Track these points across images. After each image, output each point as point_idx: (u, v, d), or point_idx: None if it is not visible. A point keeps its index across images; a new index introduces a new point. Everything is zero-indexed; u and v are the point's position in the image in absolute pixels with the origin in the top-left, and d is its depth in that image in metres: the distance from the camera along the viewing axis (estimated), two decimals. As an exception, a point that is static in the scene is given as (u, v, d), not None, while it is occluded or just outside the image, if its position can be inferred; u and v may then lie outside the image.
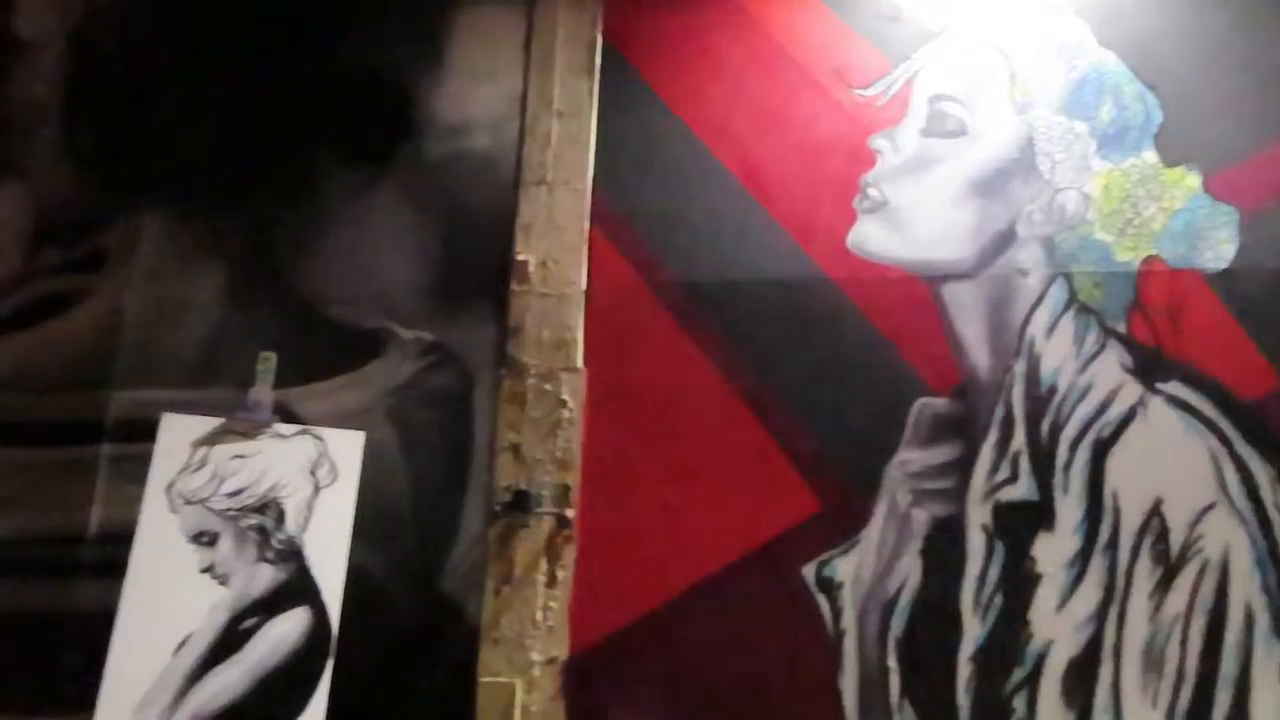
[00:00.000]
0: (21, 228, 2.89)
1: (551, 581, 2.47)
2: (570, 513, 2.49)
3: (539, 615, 2.45)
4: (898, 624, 2.33)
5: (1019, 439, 2.40)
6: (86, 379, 2.74)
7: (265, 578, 2.23)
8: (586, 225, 2.68)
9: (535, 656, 2.42)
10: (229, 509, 2.26)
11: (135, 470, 2.50)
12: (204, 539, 2.24)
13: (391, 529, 2.51)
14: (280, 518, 2.27)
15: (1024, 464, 2.38)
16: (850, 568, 2.39)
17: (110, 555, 2.51)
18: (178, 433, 2.30)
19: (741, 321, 2.57)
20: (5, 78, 3.03)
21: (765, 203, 2.65)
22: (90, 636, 2.41)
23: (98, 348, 2.76)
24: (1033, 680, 2.24)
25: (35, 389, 2.75)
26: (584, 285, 2.65)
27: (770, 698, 2.32)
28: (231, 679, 2.15)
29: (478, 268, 2.69)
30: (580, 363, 2.60)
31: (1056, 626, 2.26)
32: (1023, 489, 2.36)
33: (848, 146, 2.67)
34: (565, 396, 2.57)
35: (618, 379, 2.58)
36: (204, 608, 2.18)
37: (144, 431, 2.50)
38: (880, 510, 2.41)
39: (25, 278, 2.85)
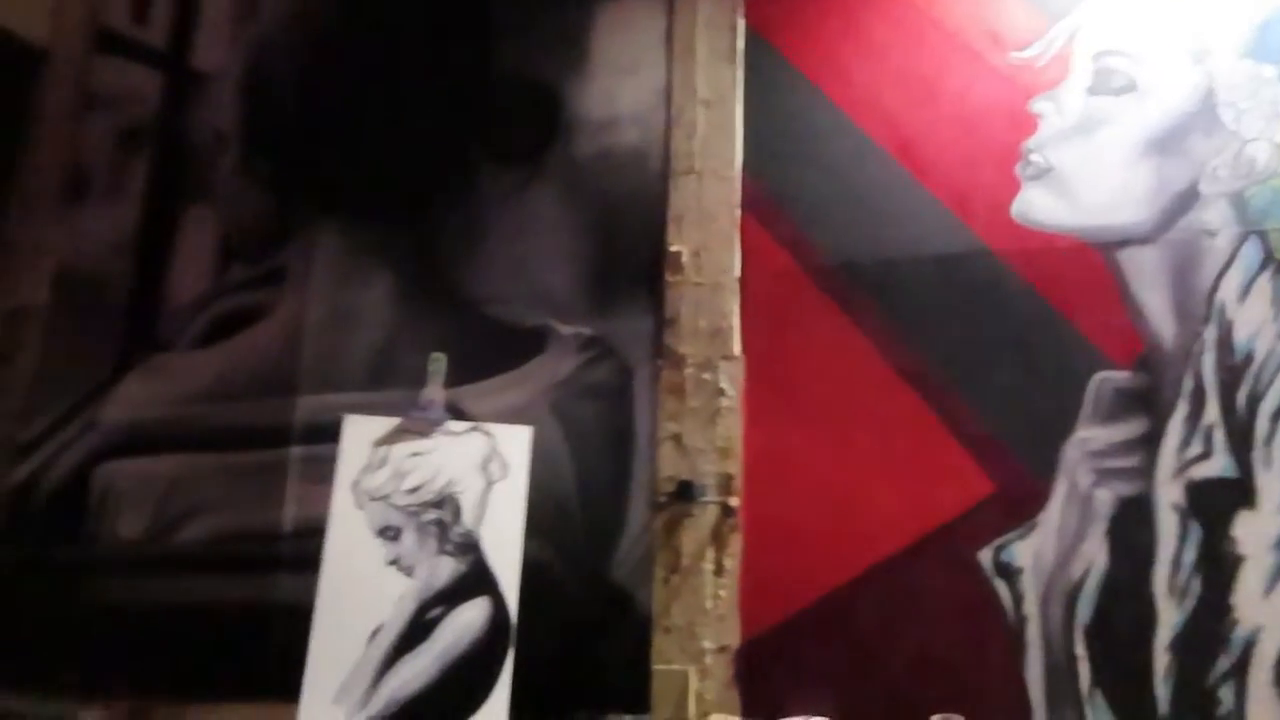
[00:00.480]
0: (210, 249, 3.11)
1: (719, 570, 2.47)
2: (734, 501, 2.49)
3: (709, 604, 2.46)
4: (1084, 610, 2.22)
5: (1212, 412, 2.24)
6: (274, 387, 2.92)
7: (447, 569, 2.33)
8: (737, 212, 2.67)
9: (707, 644, 2.43)
10: (409, 504, 2.37)
11: (322, 470, 2.65)
12: (389, 533, 2.35)
13: (560, 521, 2.58)
14: (457, 512, 2.37)
15: (1219, 438, 2.22)
16: (1030, 552, 2.29)
17: (304, 550, 2.68)
18: (359, 433, 2.42)
19: (901, 300, 2.51)
20: (188, 109, 3.27)
21: (920, 176, 2.57)
22: (290, 627, 2.58)
23: (283, 357, 2.94)
24: (1240, 670, 2.09)
25: (229, 398, 2.96)
26: (738, 272, 2.64)
27: (950, 686, 2.26)
28: (421, 666, 2.26)
29: (632, 261, 2.73)
30: (737, 350, 2.59)
31: (1264, 612, 2.10)
32: (1218, 465, 2.20)
33: (1006, 112, 2.56)
34: (724, 385, 2.57)
35: (776, 365, 2.56)
36: (392, 598, 2.29)
37: (328, 434, 2.64)
38: (1059, 491, 2.30)
39: (215, 295, 3.07)
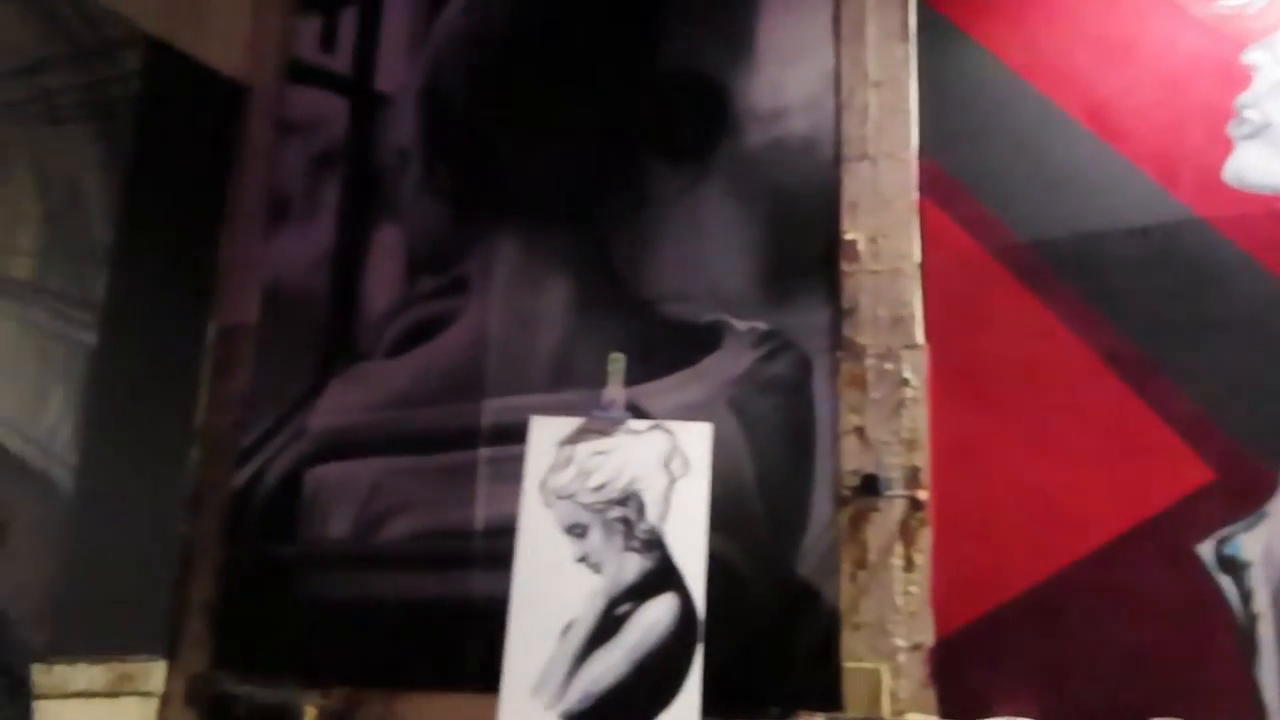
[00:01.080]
0: (399, 262, 3.27)
1: (909, 565, 2.40)
2: (923, 495, 2.41)
3: (899, 600, 2.39)
4: (1326, 608, 2.02)
5: None
6: (462, 391, 3.05)
7: (634, 565, 2.36)
8: (915, 196, 2.58)
9: (899, 642, 2.36)
10: (595, 502, 2.42)
11: (509, 470, 2.75)
12: (576, 531, 2.41)
13: (743, 518, 2.56)
14: (641, 509, 2.39)
15: None
16: (1258, 544, 2.11)
17: (495, 548, 2.79)
18: (545, 434, 2.49)
19: (1099, 277, 2.35)
20: (374, 130, 3.45)
21: (1117, 143, 2.40)
22: (485, 622, 2.69)
23: (469, 362, 3.06)
24: None
25: (422, 403, 3.11)
26: (918, 258, 2.54)
27: (1170, 688, 2.10)
28: (613, 662, 2.30)
29: (806, 252, 2.68)
30: (920, 339, 2.50)
31: None
32: None
33: (1214, 67, 2.35)
34: (907, 375, 2.49)
35: (963, 352, 2.45)
36: (582, 594, 2.35)
37: (513, 435, 2.74)
38: (1292, 478, 2.10)
39: (405, 306, 3.23)
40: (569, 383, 2.88)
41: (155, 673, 3.22)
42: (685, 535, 2.37)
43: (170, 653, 3.26)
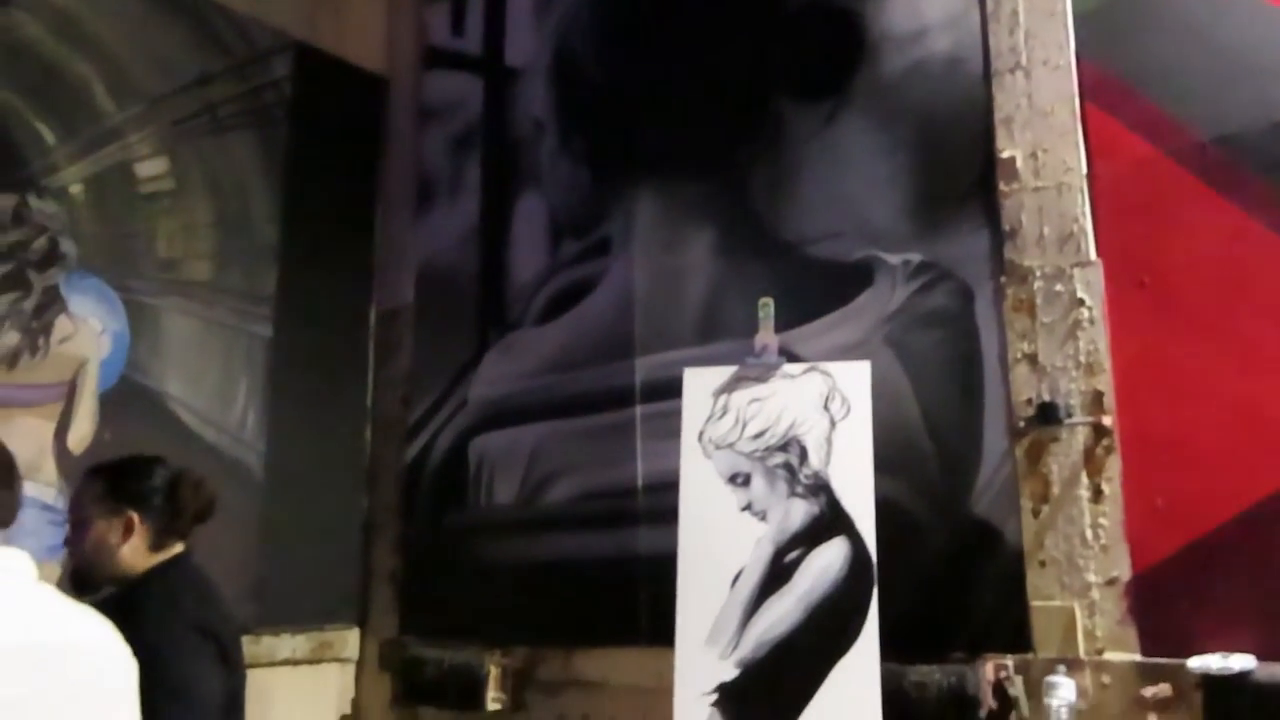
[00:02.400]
0: (544, 230, 3.31)
1: (1097, 496, 2.25)
2: (1107, 420, 2.25)
3: (1088, 533, 2.24)
4: None
5: None
6: (613, 351, 3.06)
7: (800, 511, 2.31)
8: (1077, 103, 2.39)
9: (1092, 578, 2.22)
10: (755, 450, 2.38)
11: (665, 426, 2.74)
12: (738, 480, 2.37)
13: (911, 457, 2.47)
14: (803, 454, 2.34)
15: None
16: None
17: (658, 504, 2.79)
18: (699, 385, 2.46)
19: (1297, 169, 2.12)
20: (508, 105, 3.50)
21: (1309, 19, 2.16)
22: (653, 577, 2.70)
23: (617, 322, 3.07)
24: None
25: (574, 366, 3.14)
26: (1085, 170, 2.37)
27: None
28: (785, 608, 2.26)
29: (959, 175, 2.54)
30: (1093, 255, 2.33)
31: None
32: None
33: None
34: (1081, 295, 2.33)
35: (1143, 265, 2.27)
36: (749, 543, 2.32)
37: (667, 391, 2.73)
38: None
39: (552, 272, 3.27)
40: (719, 334, 2.84)
41: (351, 640, 3.40)
42: (851, 478, 2.30)
43: (362, 621, 3.44)
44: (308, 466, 3.35)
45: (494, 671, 3.02)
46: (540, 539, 3.12)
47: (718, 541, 2.35)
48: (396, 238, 3.70)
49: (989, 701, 2.22)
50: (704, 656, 2.28)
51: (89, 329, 2.86)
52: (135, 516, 1.79)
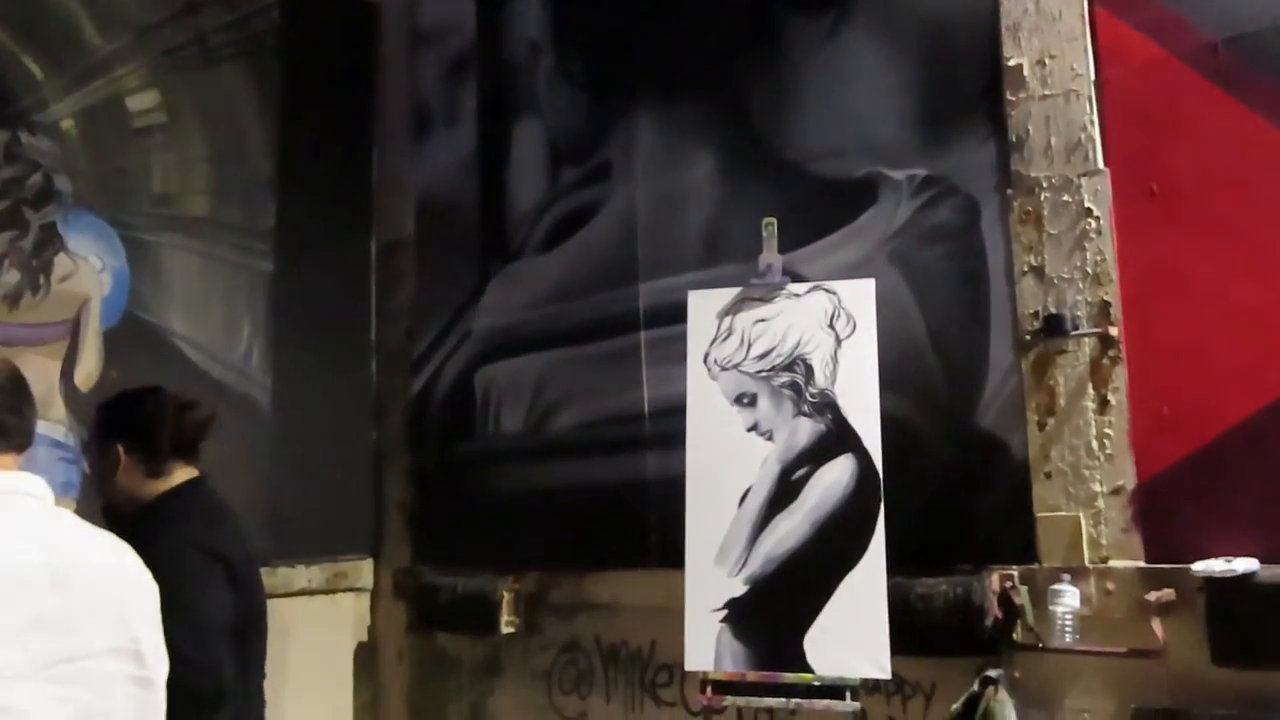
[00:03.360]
0: (541, 157, 3.27)
1: (1103, 407, 2.25)
2: (1114, 330, 2.24)
3: (1094, 444, 2.25)
4: None
5: None
6: (616, 278, 3.04)
7: (806, 430, 2.32)
8: (1085, 6, 2.33)
9: (1098, 487, 2.24)
10: (761, 370, 2.38)
11: (671, 351, 2.74)
12: (744, 400, 2.38)
13: (916, 374, 2.46)
14: (809, 373, 2.34)
15: None
16: None
17: (665, 428, 2.79)
18: (704, 307, 2.45)
19: (1310, 69, 2.08)
20: (504, 25, 3.42)
21: (1325, -90, 2.09)
22: (661, 500, 2.71)
23: (619, 248, 3.05)
24: None
25: (578, 294, 3.13)
26: (1093, 76, 2.32)
27: None
28: (794, 525, 2.28)
29: (964, 86, 2.49)
30: (1101, 164, 2.30)
31: None
32: None
33: None
34: (1089, 204, 2.30)
35: (1152, 172, 2.24)
36: (756, 462, 2.33)
37: (672, 315, 2.72)
38: None
39: (552, 200, 3.23)
40: (722, 257, 2.82)
41: (365, 570, 3.46)
42: (857, 396, 2.30)
43: (375, 551, 3.49)
44: (315, 401, 3.36)
45: (507, 596, 3.06)
46: (549, 466, 3.14)
47: (725, 461, 2.37)
48: (394, 168, 3.65)
49: (995, 611, 2.25)
50: (713, 574, 2.31)
51: (89, 266, 2.85)
52: (120, 448, 1.83)
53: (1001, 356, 2.38)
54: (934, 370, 2.46)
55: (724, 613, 2.28)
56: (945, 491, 2.42)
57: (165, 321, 2.99)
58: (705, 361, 2.44)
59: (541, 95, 3.30)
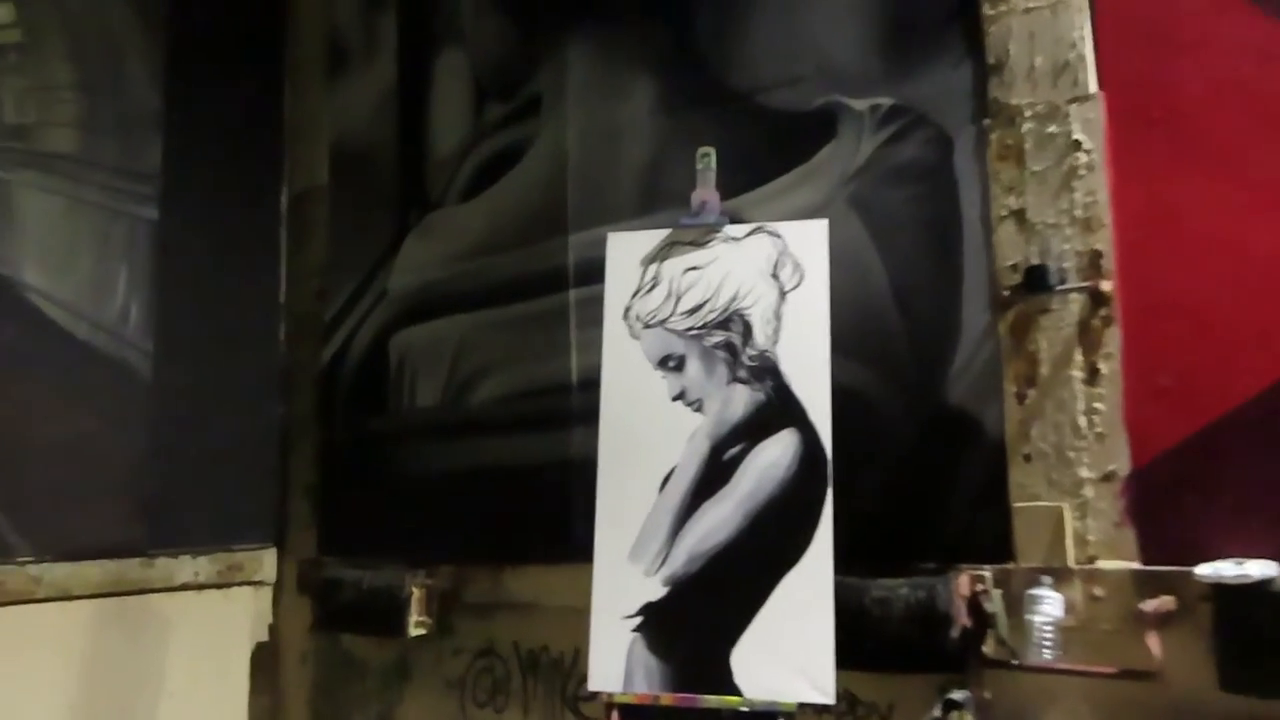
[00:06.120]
0: (465, 93, 2.90)
1: (1092, 377, 1.90)
2: (1106, 286, 1.89)
3: (1081, 421, 1.90)
4: None
5: None
6: (544, 229, 2.69)
7: (742, 400, 1.96)
8: (1077, -99, 1.98)
9: (1085, 473, 1.89)
10: (690, 328, 2.01)
11: (601, 312, 2.36)
12: (670, 363, 2.01)
13: (876, 336, 2.12)
14: (747, 331, 1.97)
15: None
16: None
17: (594, 401, 2.40)
18: (625, 252, 2.09)
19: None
20: (426, -50, 3.04)
21: None
22: (588, 484, 2.35)
23: (548, 194, 2.69)
24: None
25: (502, 248, 2.77)
26: (1086, -18, 1.96)
27: None
28: (723, 514, 1.92)
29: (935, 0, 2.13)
30: (1093, 88, 1.95)
31: None
32: None
33: None
34: (1078, 136, 1.95)
35: (1153, 96, 1.90)
36: (681, 438, 1.97)
37: (602, 272, 2.34)
38: None
39: (476, 140, 2.86)
40: (661, 203, 2.45)
41: (266, 561, 3.09)
42: (804, 358, 1.94)
43: (279, 540, 3.12)
44: (210, 368, 2.99)
45: (417, 593, 2.71)
46: (467, 444, 2.78)
47: (644, 438, 2.00)
48: (307, 108, 3.27)
49: (962, 619, 1.90)
50: (626, 573, 1.94)
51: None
52: None
53: (975, 317, 2.03)
54: (896, 332, 2.10)
55: (638, 620, 1.91)
56: (906, 476, 2.07)
57: (17, 273, 2.60)
58: (625, 317, 2.07)
59: (466, 23, 2.93)
